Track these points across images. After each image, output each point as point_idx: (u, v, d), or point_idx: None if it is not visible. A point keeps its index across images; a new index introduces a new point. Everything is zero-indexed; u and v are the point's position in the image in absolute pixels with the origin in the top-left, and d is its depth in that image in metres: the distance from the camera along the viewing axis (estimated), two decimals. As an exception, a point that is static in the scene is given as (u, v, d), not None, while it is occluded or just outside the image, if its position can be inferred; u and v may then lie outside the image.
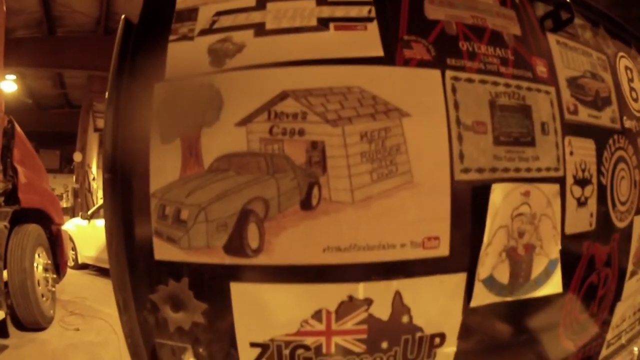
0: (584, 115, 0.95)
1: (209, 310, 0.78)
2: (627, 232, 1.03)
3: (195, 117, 0.75)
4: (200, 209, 0.75)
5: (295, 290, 0.77)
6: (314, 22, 0.78)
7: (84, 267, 5.19)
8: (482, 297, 0.83)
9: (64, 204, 8.99)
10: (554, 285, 0.89)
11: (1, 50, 2.40)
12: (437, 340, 0.84)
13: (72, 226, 5.46)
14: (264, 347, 0.79)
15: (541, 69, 0.89)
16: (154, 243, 0.77)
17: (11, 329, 2.64)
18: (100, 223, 4.65)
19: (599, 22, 1.09)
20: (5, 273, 2.47)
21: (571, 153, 0.91)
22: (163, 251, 0.77)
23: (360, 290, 0.76)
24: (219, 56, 0.76)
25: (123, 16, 0.79)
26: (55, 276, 3.05)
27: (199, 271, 0.77)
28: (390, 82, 0.77)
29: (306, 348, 0.79)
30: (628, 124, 1.05)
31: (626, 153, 1.02)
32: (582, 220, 0.93)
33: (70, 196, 9.79)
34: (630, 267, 1.06)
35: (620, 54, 1.09)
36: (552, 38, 0.95)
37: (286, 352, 0.79)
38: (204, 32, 0.78)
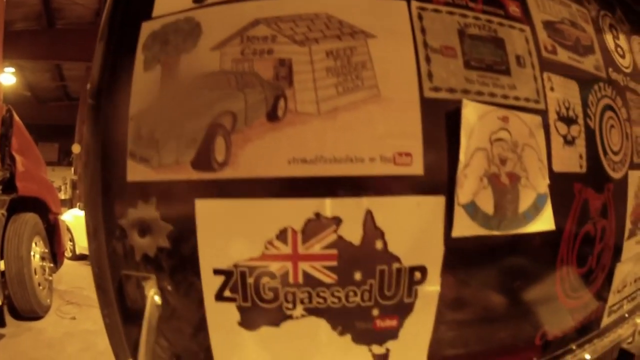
0: (564, 56, 0.94)
1: (174, 232, 0.76)
2: (623, 185, 0.97)
3: (176, 45, 0.81)
4: (173, 126, 0.77)
5: (260, 206, 0.74)
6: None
7: (81, 257, 5.14)
8: (465, 225, 0.77)
9: (62, 195, 8.71)
10: (544, 221, 0.82)
11: (0, 42, 2.50)
12: (418, 275, 0.77)
13: (70, 217, 5.49)
14: (227, 274, 0.75)
15: (514, 9, 0.91)
16: (127, 165, 0.79)
17: (8, 318, 2.62)
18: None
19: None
20: (2, 262, 2.47)
21: (552, 89, 0.89)
22: (135, 172, 0.78)
23: (328, 206, 0.73)
24: (201, -6, 0.83)
25: None
26: (52, 265, 3.02)
27: (166, 190, 0.77)
28: (357, 9, 0.80)
29: (272, 276, 0.74)
30: (615, 76, 1.03)
31: (614, 103, 0.99)
32: (571, 160, 0.88)
33: (69, 188, 9.65)
34: (628, 225, 0.97)
35: (603, 12, 1.10)
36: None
37: (250, 280, 0.75)
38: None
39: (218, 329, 0.78)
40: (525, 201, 0.82)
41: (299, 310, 0.76)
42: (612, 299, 0.97)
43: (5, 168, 2.60)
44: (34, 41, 7.01)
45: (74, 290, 3.42)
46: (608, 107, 0.97)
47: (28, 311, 2.63)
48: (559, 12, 0.99)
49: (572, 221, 0.88)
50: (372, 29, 0.78)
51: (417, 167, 0.75)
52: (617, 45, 1.08)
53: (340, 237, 0.73)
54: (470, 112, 0.77)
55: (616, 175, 0.96)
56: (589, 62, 0.98)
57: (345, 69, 0.75)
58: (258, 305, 0.76)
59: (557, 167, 0.87)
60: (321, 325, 0.77)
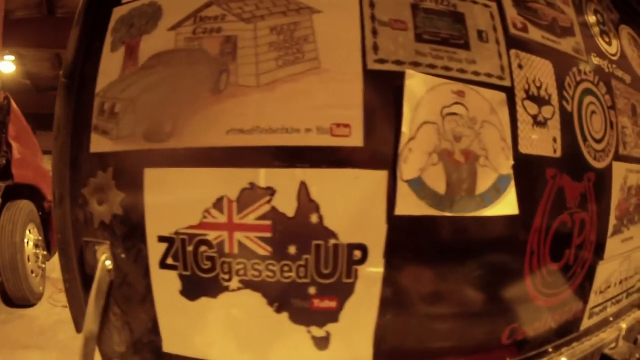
0: (537, 35, 0.87)
1: (126, 199, 0.80)
2: (606, 176, 0.86)
3: (139, 27, 0.87)
4: (130, 101, 0.83)
5: (199, 175, 0.76)
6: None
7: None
8: (411, 203, 0.72)
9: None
10: (507, 205, 0.75)
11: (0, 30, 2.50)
12: (358, 253, 0.73)
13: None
14: (170, 241, 0.77)
15: (479, -15, 0.87)
16: (91, 138, 0.85)
17: (0, 304, 2.64)
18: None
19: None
20: None
21: (520, 66, 0.82)
22: (97, 144, 0.84)
23: (262, 176, 0.73)
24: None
25: None
26: (45, 253, 2.99)
27: (122, 160, 0.82)
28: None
29: (209, 245, 0.75)
30: (598, 61, 0.93)
31: (596, 88, 0.90)
32: (542, 142, 0.81)
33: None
34: (612, 221, 0.85)
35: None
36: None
37: (190, 248, 0.76)
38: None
39: (162, 297, 0.80)
40: (484, 182, 0.76)
41: (235, 282, 0.75)
42: (594, 299, 0.85)
43: (1, 155, 2.55)
44: (34, 29, 6.72)
45: (68, 279, 3.55)
46: (588, 91, 0.88)
47: (20, 298, 2.60)
48: (534, -9, 0.92)
49: (544, 209, 0.79)
50: (318, 5, 0.79)
51: (355, 139, 0.72)
52: (602, 32, 0.98)
53: (273, 208, 0.73)
54: (416, 83, 0.74)
55: (598, 164, 0.86)
56: (567, 44, 0.90)
57: (287, 43, 0.76)
58: (197, 275, 0.77)
59: (525, 149, 0.79)
60: (257, 299, 0.75)
